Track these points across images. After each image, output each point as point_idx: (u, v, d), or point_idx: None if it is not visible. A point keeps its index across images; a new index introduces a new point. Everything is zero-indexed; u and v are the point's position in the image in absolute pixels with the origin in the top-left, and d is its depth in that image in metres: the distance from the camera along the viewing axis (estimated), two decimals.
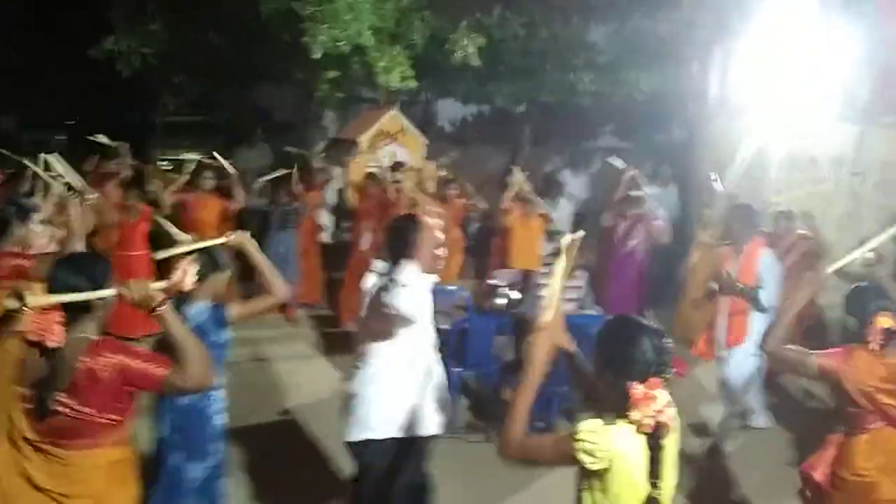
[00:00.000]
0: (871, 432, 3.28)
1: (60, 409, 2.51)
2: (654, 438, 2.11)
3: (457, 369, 5.69)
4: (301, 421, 5.70)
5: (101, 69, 10.18)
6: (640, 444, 2.13)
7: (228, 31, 9.80)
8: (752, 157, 8.44)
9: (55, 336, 2.47)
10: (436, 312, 6.00)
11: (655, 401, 2.09)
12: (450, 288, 7.43)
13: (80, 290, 2.53)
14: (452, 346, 5.61)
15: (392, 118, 11.36)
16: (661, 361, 2.15)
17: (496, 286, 7.15)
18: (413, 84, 8.55)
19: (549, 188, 10.45)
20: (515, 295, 6.71)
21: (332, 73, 9.50)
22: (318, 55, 7.65)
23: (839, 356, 3.32)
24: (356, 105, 13.37)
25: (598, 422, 2.20)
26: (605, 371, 2.26)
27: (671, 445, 2.20)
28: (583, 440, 2.16)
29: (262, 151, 14.05)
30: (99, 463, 2.64)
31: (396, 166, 9.00)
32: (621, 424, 2.17)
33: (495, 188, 10.28)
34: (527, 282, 6.56)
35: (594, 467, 2.15)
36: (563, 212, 10.29)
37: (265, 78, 11.35)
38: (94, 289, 2.55)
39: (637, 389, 2.10)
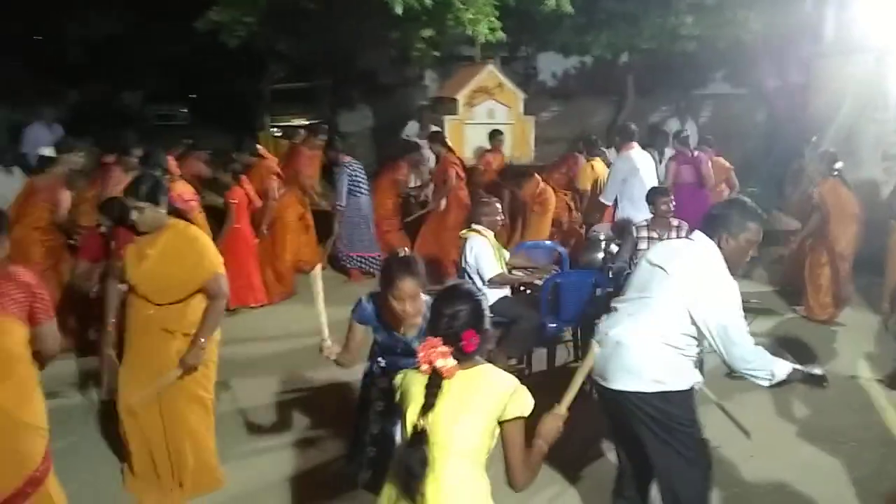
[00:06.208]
0: None
1: None
2: (432, 379, 2.48)
3: (553, 325, 5.66)
4: None
5: (207, 42, 10.50)
6: (422, 382, 2.52)
7: None
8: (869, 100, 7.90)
9: None
10: (531, 268, 6.06)
11: (435, 350, 2.48)
12: (546, 243, 7.38)
13: None
14: (546, 301, 5.58)
15: (489, 74, 11.26)
16: (448, 326, 2.54)
17: (597, 240, 7.03)
18: (502, 36, 8.39)
19: (655, 139, 10.14)
20: (613, 249, 6.60)
21: (427, 32, 9.46)
22: (398, 10, 7.62)
23: None
24: (455, 63, 13.34)
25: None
26: None
27: (457, 393, 2.50)
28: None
29: (365, 114, 14.33)
30: None
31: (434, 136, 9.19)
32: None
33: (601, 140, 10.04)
34: (624, 233, 6.39)
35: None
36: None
37: (364, 41, 11.41)
38: None
39: (427, 341, 2.54)
